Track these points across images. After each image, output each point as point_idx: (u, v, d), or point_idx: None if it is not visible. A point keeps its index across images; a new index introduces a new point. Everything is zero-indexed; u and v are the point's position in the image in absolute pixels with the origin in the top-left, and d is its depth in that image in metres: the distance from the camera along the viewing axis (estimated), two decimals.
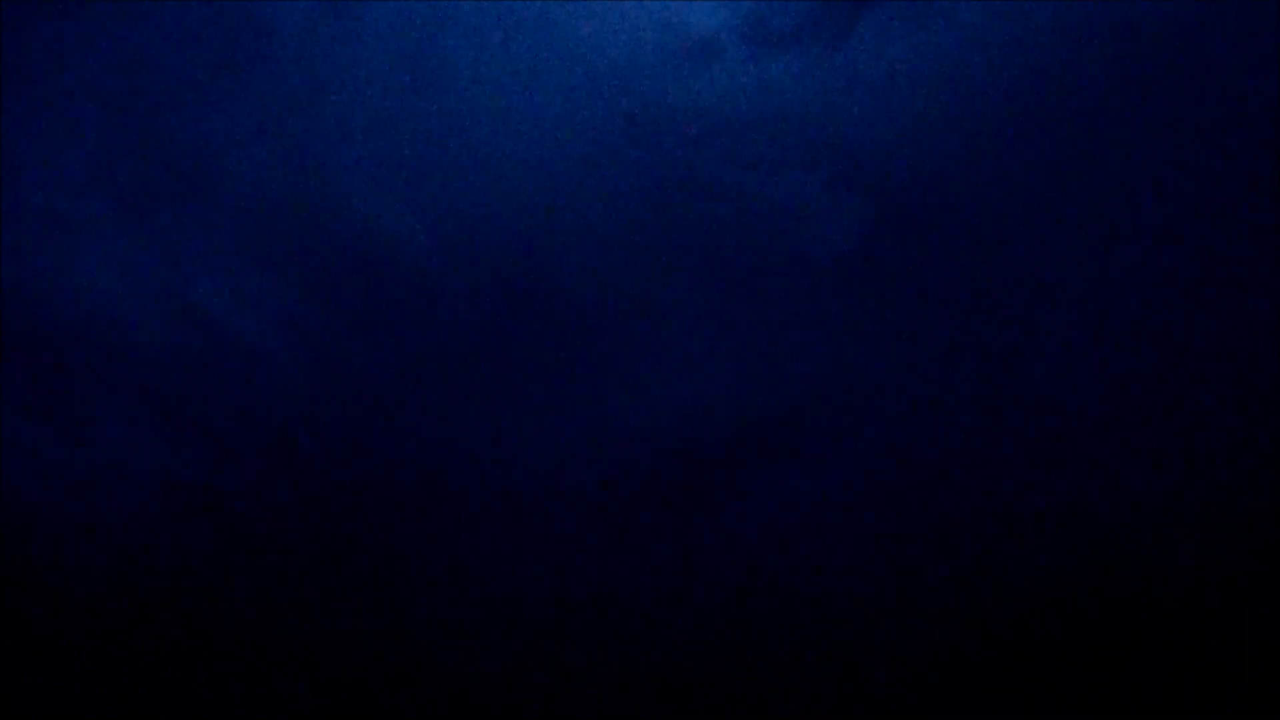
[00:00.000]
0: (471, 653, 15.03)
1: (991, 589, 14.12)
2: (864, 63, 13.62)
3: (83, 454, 14.33)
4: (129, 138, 13.86)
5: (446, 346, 14.72)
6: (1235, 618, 13.23)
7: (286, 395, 14.60)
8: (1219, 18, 12.50)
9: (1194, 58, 12.73)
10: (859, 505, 14.47)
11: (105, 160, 13.88)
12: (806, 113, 13.88)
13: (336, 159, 14.14)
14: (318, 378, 14.62)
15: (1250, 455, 13.06)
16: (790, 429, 14.58)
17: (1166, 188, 13.12)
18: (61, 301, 14.05)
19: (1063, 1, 12.89)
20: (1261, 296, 12.91)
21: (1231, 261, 12.98)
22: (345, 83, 14.02)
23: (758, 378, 14.57)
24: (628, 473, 14.82)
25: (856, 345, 14.32)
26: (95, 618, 14.36)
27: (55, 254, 13.96)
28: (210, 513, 14.48)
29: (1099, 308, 13.59)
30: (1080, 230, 13.54)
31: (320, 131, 14.08)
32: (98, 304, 14.11)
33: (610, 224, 14.41)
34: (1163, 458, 13.49)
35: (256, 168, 14.01)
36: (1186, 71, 12.82)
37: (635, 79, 13.92)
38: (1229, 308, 13.11)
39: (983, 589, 14.15)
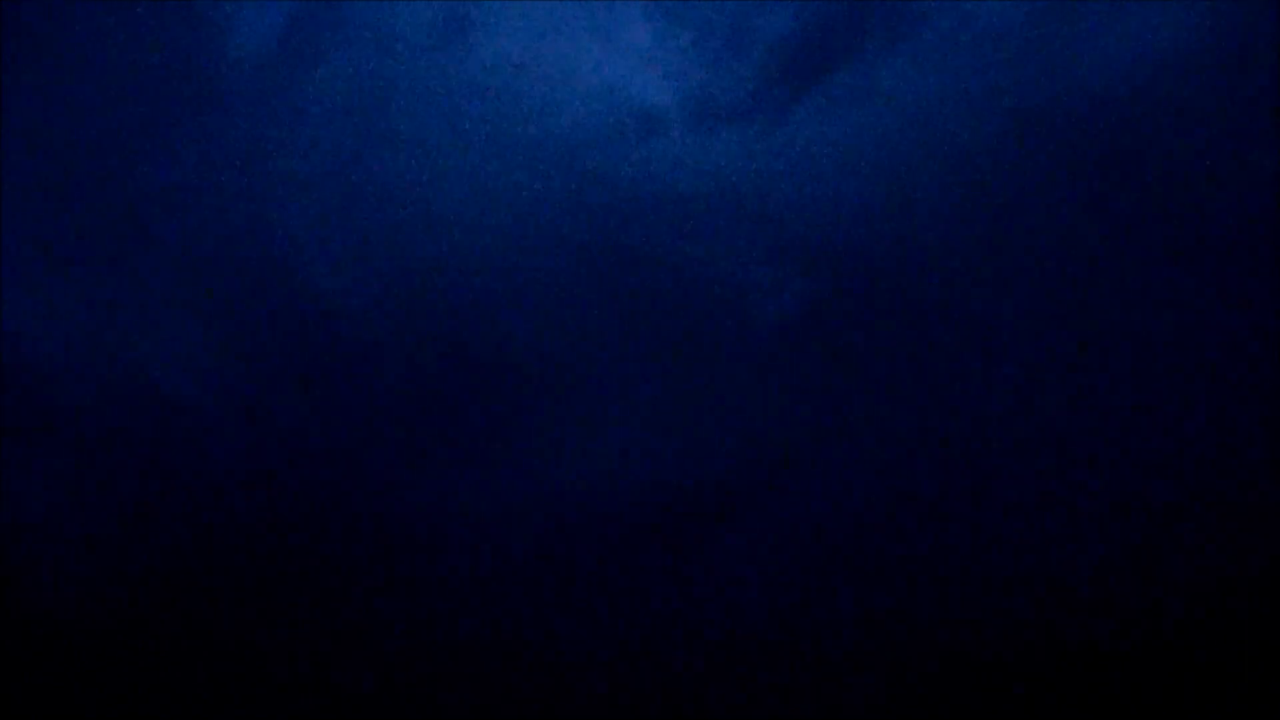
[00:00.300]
0: (407, 714, 14.79)
1: (939, 654, 14.17)
2: (805, 140, 13.85)
3: (6, 510, 13.99)
4: (66, 186, 13.71)
5: (386, 409, 14.63)
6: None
7: (221, 456, 14.40)
8: (1159, 92, 12.85)
9: (1134, 135, 13.09)
10: (796, 572, 14.48)
11: (40, 209, 13.71)
12: (748, 187, 14.05)
13: (280, 217, 14.09)
14: (254, 438, 14.45)
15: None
16: (729, 496, 14.61)
17: (1104, 267, 13.42)
18: None
19: (1000, 84, 13.21)
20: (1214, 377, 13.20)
21: (1171, 347, 13.28)
22: (292, 141, 14.00)
23: (697, 445, 14.61)
24: (567, 537, 14.74)
25: (794, 415, 14.42)
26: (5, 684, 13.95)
27: None
28: (137, 573, 14.17)
29: (1036, 385, 13.81)
30: (1017, 309, 13.79)
31: (264, 189, 14.03)
32: (26, 356, 13.86)
33: (553, 291, 14.46)
34: (1112, 536, 13.68)
35: (197, 222, 13.91)
36: (1124, 147, 13.16)
37: (580, 149, 14.05)
38: (1174, 401, 13.41)
39: (929, 654, 14.19)
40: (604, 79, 13.91)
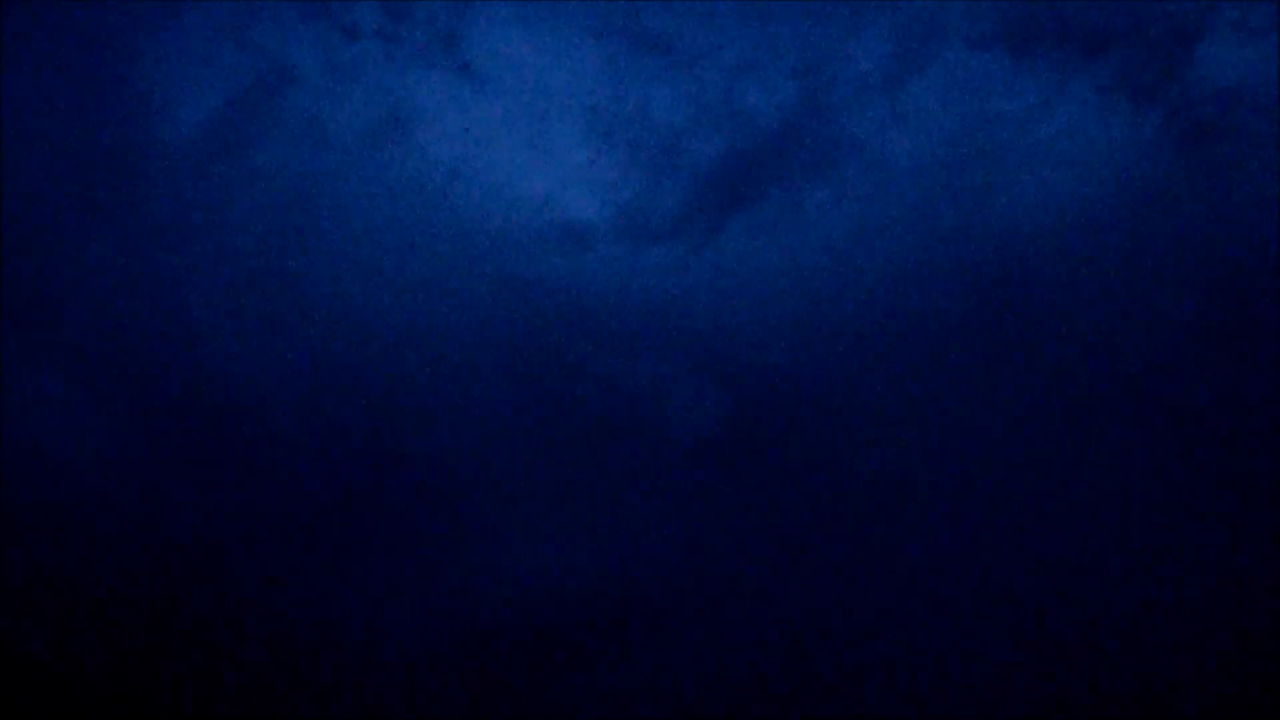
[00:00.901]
0: None
1: None
2: (730, 261, 14.02)
3: None
4: None
5: (294, 505, 14.14)
6: None
7: (120, 544, 13.73)
8: (1062, 234, 13.25)
9: (1037, 271, 13.42)
10: (707, 682, 14.12)
11: None
12: (673, 304, 14.13)
13: (194, 304, 13.78)
14: (152, 523, 13.83)
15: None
16: (642, 606, 14.28)
17: (1011, 391, 13.61)
18: None
19: (915, 218, 13.55)
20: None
21: (1080, 470, 13.42)
22: (215, 228, 13.81)
23: (611, 554, 14.33)
24: (479, 641, 14.24)
25: (708, 528, 14.23)
26: None
27: None
28: (26, 666, 13.29)
29: (947, 503, 13.83)
30: (927, 429, 13.89)
31: (182, 273, 13.76)
32: None
33: (474, 396, 14.26)
34: (1012, 658, 13.56)
35: (110, 302, 13.54)
36: (1029, 282, 13.48)
37: (510, 257, 14.05)
38: (1081, 522, 13.48)
39: None
40: (538, 190, 14.04)
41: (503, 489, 14.35)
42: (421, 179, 13.96)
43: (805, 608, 13.90)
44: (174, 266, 13.68)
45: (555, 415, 14.30)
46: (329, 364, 14.06)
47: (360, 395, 14.16)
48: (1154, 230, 12.87)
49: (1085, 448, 13.31)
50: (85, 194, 13.17)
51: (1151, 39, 12.11)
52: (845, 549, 13.86)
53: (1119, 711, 13.04)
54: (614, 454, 14.30)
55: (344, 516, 14.21)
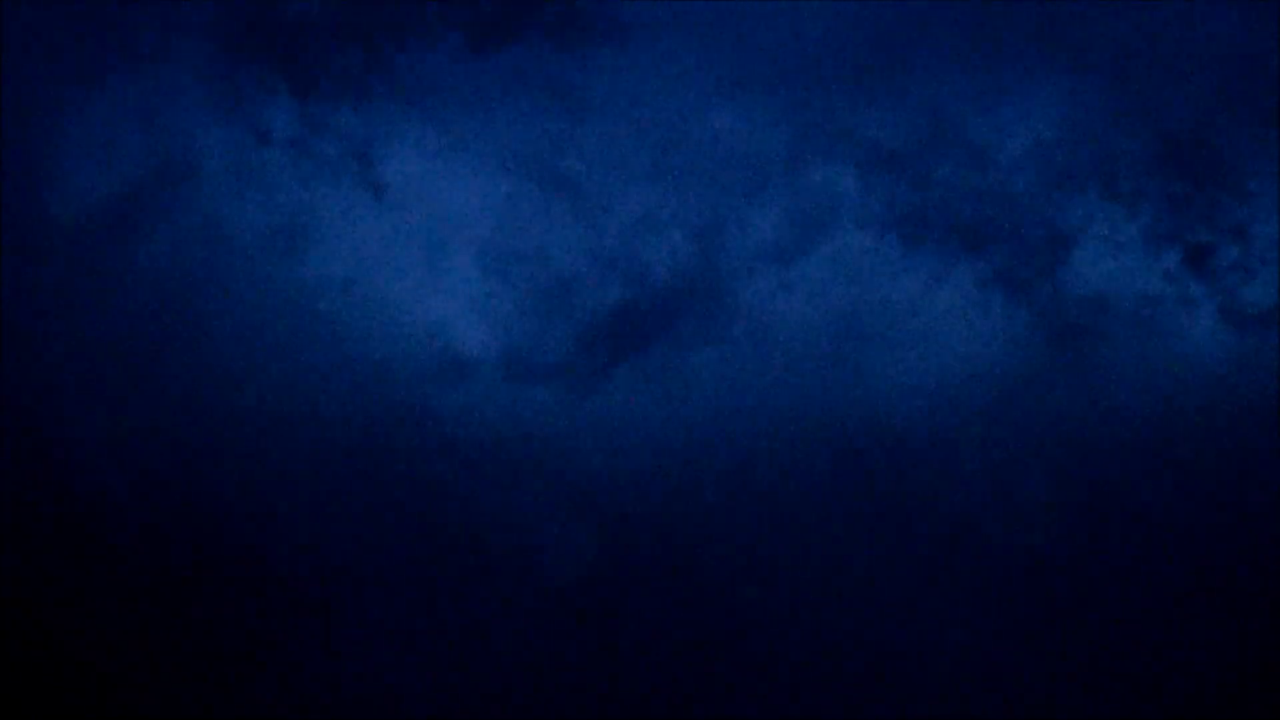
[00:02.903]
0: None
1: None
2: (612, 408, 13.77)
3: None
4: None
5: (137, 622, 13.02)
6: None
7: None
8: (950, 414, 13.31)
9: (923, 453, 13.44)
10: None
11: None
12: (553, 446, 13.79)
13: (56, 399, 12.85)
14: None
15: None
16: None
17: (868, 568, 13.41)
18: None
19: (800, 389, 13.54)
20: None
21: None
22: (91, 320, 13.06)
23: (470, 700, 13.44)
24: None
25: (571, 677, 13.52)
26: None
27: None
28: None
29: (799, 675, 13.42)
30: (802, 594, 13.60)
31: (47, 364, 12.87)
32: None
33: (338, 516, 13.50)
34: None
35: None
36: (903, 460, 13.46)
37: (392, 380, 13.58)
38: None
39: None
40: (428, 317, 13.71)
41: (360, 614, 13.50)
42: (313, 291, 13.50)
43: None
44: (39, 356, 12.79)
45: (419, 548, 13.60)
46: (185, 471, 13.19)
47: (215, 508, 13.27)
48: (1021, 420, 13.06)
49: (943, 629, 13.12)
50: None
51: (1029, 241, 12.56)
52: (713, 697, 13.26)
53: None
54: (479, 589, 13.62)
55: (176, 614, 13.13)
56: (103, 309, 13.06)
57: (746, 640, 13.31)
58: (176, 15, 12.78)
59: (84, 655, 13.01)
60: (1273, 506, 12.33)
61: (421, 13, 12.50)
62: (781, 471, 13.46)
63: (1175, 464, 12.83)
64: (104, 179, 12.87)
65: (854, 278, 13.20)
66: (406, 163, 13.36)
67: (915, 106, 11.81)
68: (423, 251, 13.63)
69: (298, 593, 13.38)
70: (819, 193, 12.82)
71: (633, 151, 12.87)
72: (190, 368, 13.31)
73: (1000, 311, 13.00)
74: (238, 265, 13.40)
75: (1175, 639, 12.63)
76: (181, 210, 13.20)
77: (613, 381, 13.68)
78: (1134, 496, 12.64)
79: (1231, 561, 12.47)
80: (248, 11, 12.62)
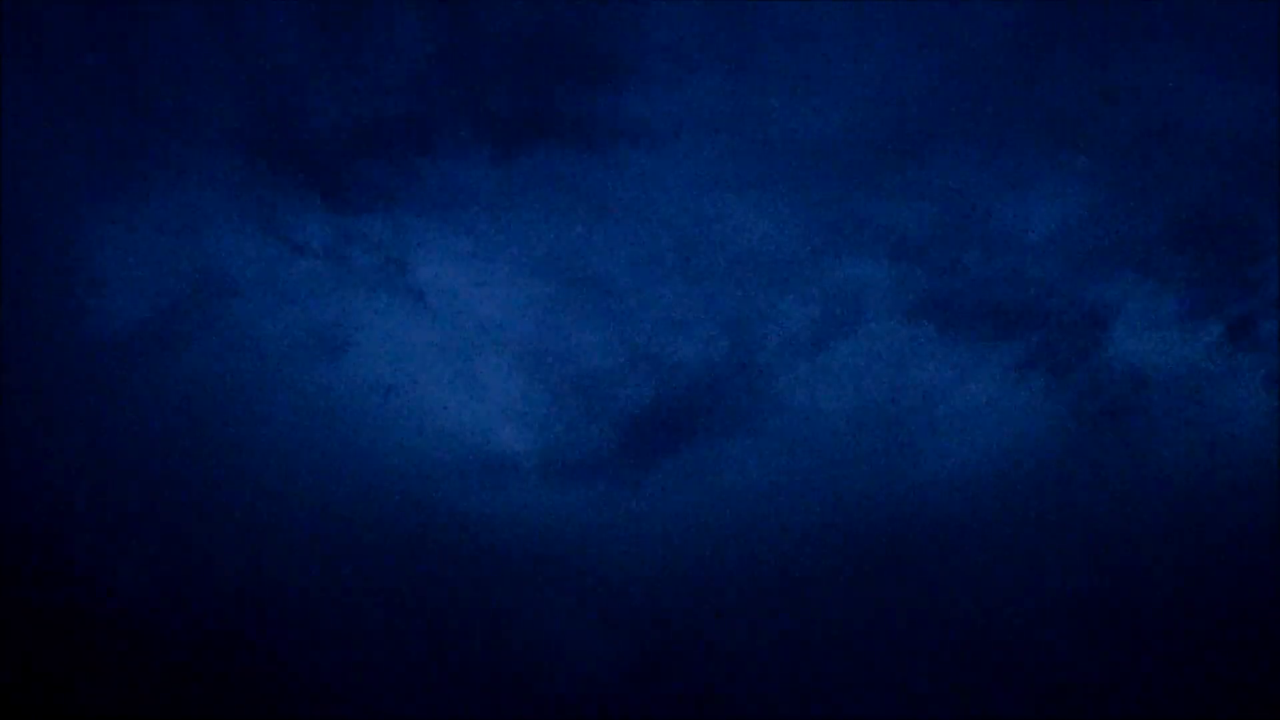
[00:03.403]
0: None
1: None
2: (650, 508, 13.63)
3: None
4: None
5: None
6: None
7: None
8: (981, 501, 12.99)
9: (956, 538, 13.10)
10: None
11: None
12: (589, 547, 13.65)
13: (94, 508, 12.86)
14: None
15: None
16: None
17: (912, 656, 13.01)
18: None
19: (836, 476, 13.31)
20: None
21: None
22: (132, 432, 13.10)
23: None
24: None
25: None
26: None
27: None
28: None
29: None
30: (836, 687, 13.18)
31: (87, 479, 12.89)
32: None
33: (377, 617, 13.36)
34: None
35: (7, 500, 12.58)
36: (943, 546, 13.12)
37: (431, 482, 13.52)
38: None
39: None
40: (465, 419, 13.68)
41: (400, 715, 13.27)
42: (351, 399, 13.51)
43: None
44: (87, 461, 12.83)
45: (446, 641, 13.42)
46: (226, 572, 13.12)
47: (258, 610, 13.17)
48: (1064, 502, 12.73)
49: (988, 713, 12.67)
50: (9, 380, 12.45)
51: (1066, 322, 12.33)
52: None
53: None
54: (511, 696, 13.32)
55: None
56: (145, 422, 13.10)
57: None
58: (210, 133, 13.04)
59: None
60: None
61: (447, 122, 12.67)
62: (819, 565, 13.19)
63: (1224, 542, 12.42)
64: (144, 295, 13.00)
65: (887, 366, 13.02)
66: (439, 269, 13.41)
67: (938, 194, 11.72)
68: (458, 355, 13.63)
69: (339, 693, 13.22)
70: (847, 283, 12.71)
71: (660, 250, 12.86)
72: (232, 476, 13.32)
73: (1039, 393, 12.73)
74: (276, 374, 13.44)
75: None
76: (220, 323, 13.29)
77: (650, 477, 13.53)
78: (1184, 575, 12.23)
79: None
80: (279, 127, 12.86)
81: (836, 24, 10.79)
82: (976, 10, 10.26)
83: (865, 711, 13.00)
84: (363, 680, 13.36)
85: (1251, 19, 10.59)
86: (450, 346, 13.59)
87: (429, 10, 11.71)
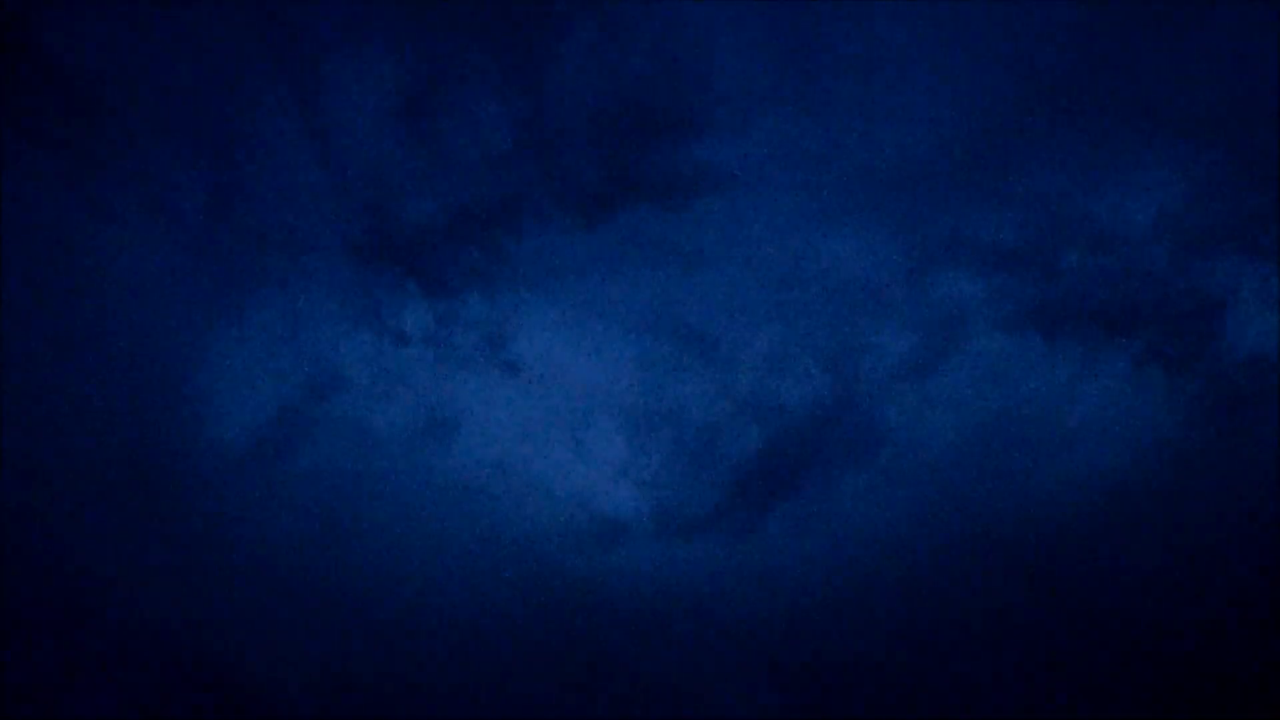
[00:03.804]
0: None
1: None
2: (772, 554, 13.37)
3: None
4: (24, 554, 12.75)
5: None
6: None
7: None
8: (1103, 512, 12.56)
9: (1079, 551, 12.66)
10: None
11: None
12: (715, 599, 13.41)
13: (228, 609, 13.05)
14: None
15: None
16: None
17: (1053, 682, 12.49)
18: None
19: (953, 501, 12.97)
20: None
21: None
22: (257, 532, 13.32)
23: None
24: None
25: None
26: None
27: None
28: None
29: None
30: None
31: (217, 578, 13.10)
32: None
33: (509, 689, 13.23)
34: None
35: (140, 604, 12.76)
36: (1071, 561, 12.68)
37: (551, 552, 13.49)
38: None
39: None
40: (576, 485, 13.66)
41: None
42: (463, 476, 13.62)
43: None
44: (210, 571, 13.04)
45: (595, 714, 13.16)
46: (358, 671, 13.14)
47: (392, 695, 13.14)
48: (1197, 499, 12.18)
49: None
50: (129, 498, 12.74)
51: (1177, 314, 11.91)
52: None
53: None
54: None
55: None
56: (267, 521, 13.30)
57: None
58: (309, 240, 13.42)
59: None
60: None
61: (532, 197, 12.88)
62: (950, 593, 12.76)
63: None
64: (258, 401, 13.30)
65: (996, 381, 12.70)
66: (537, 341, 13.52)
67: (1028, 200, 11.51)
68: (564, 422, 13.66)
69: None
70: (945, 303, 12.50)
71: (754, 294, 12.83)
72: (354, 565, 13.40)
73: (1160, 391, 12.27)
74: (391, 463, 13.59)
75: None
76: (333, 419, 13.51)
77: (765, 524, 13.31)
78: None
79: None
80: (374, 224, 13.20)
81: (899, 48, 10.79)
82: (1038, 5, 10.14)
83: None
84: None
85: None
86: (555, 414, 13.64)
87: (506, 94, 11.99)
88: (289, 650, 13.01)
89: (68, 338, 12.38)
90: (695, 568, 13.40)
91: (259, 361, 13.50)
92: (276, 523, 13.16)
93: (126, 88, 11.25)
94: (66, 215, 12.01)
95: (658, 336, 13.41)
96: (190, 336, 13.09)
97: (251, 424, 13.34)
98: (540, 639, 13.21)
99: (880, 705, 12.83)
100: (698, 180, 12.30)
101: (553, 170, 12.42)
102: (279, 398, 13.47)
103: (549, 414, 13.63)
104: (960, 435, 13.01)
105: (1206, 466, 12.37)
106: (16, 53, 10.45)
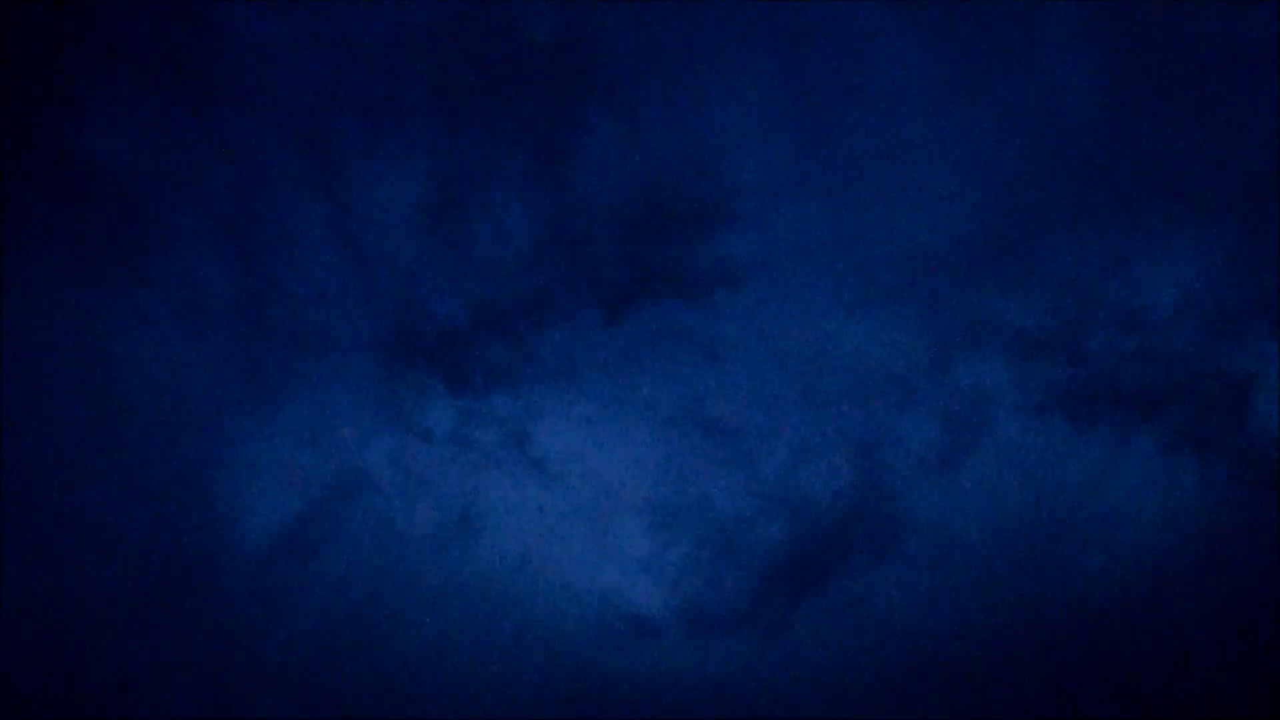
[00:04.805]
0: None
1: None
2: (802, 649, 12.95)
3: None
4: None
5: None
6: None
7: None
8: (1137, 599, 12.12)
9: (1113, 637, 12.18)
10: None
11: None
12: (745, 698, 12.92)
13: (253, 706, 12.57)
14: None
15: None
16: None
17: None
18: None
19: (984, 588, 12.55)
20: None
21: None
22: (282, 632, 12.96)
23: None
24: None
25: None
26: None
27: None
28: None
29: None
30: None
31: (244, 678, 12.68)
32: None
33: None
34: None
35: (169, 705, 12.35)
36: (1114, 649, 12.19)
37: (575, 652, 13.09)
38: None
39: None
40: (602, 583, 13.34)
41: None
42: (488, 575, 13.29)
43: None
44: (236, 671, 12.63)
45: None
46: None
47: None
48: (1233, 580, 11.72)
49: None
50: (152, 600, 12.44)
51: (1206, 393, 11.64)
52: None
53: None
54: None
55: None
56: (293, 622, 12.96)
57: None
58: (334, 340, 13.36)
59: None
60: None
61: (555, 293, 12.82)
62: (983, 681, 12.24)
63: None
64: (282, 501, 13.10)
65: (1025, 468, 12.40)
66: (562, 437, 13.34)
67: (1052, 283, 11.39)
68: (588, 520, 13.39)
69: None
70: (971, 389, 12.28)
71: (777, 385, 12.64)
72: (379, 664, 13.03)
73: (1191, 474, 11.94)
74: (415, 563, 13.32)
75: None
76: (358, 519, 13.29)
77: (795, 619, 12.89)
78: None
79: None
80: (399, 324, 13.14)
81: (919, 135, 10.79)
82: (1056, 87, 10.16)
83: None
84: None
85: None
86: (579, 510, 13.38)
87: (530, 192, 12.04)
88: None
89: (98, 438, 12.26)
90: (724, 665, 13.00)
91: (283, 463, 13.32)
92: (302, 623, 12.82)
93: (160, 191, 11.33)
94: (100, 317, 12.01)
95: (681, 430, 13.21)
96: (218, 436, 12.94)
97: (275, 524, 13.11)
98: None
99: None
100: (719, 272, 12.24)
101: (576, 266, 12.39)
102: (303, 498, 13.26)
103: (573, 510, 13.38)
104: (990, 523, 12.68)
105: (1243, 547, 11.97)
106: (52, 155, 10.56)
